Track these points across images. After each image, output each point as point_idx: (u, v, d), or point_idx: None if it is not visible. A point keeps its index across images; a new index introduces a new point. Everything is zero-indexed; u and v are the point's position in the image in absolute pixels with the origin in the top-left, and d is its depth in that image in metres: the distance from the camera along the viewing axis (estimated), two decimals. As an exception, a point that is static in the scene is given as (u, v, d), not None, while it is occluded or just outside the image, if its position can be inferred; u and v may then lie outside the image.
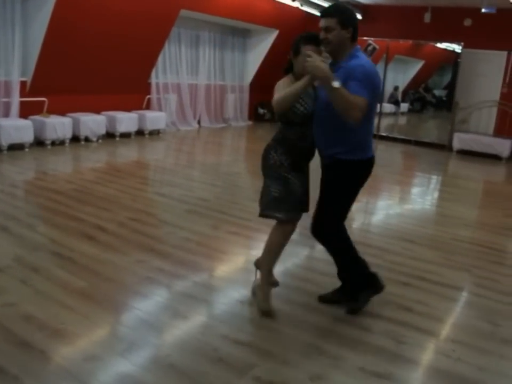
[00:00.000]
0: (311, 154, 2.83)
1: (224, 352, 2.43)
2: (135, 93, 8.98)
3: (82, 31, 7.13)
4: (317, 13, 10.56)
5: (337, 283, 3.02)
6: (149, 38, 8.20)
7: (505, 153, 9.22)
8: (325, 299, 2.99)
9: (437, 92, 12.24)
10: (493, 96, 9.72)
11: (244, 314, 2.86)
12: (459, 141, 9.69)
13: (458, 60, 9.95)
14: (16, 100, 7.04)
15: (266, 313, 2.80)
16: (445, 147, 10.02)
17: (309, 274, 3.47)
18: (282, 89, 2.62)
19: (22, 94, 7.13)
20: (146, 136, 8.84)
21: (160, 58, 9.16)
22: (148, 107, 9.28)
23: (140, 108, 9.08)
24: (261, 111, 11.95)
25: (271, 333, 2.68)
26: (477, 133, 9.82)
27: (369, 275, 2.91)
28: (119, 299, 2.92)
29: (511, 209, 5.87)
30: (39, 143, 7.15)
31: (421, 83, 12.23)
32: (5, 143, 6.56)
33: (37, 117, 7.11)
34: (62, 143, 7.36)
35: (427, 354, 2.58)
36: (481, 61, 9.71)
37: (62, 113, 7.55)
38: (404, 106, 12.46)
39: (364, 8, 10.50)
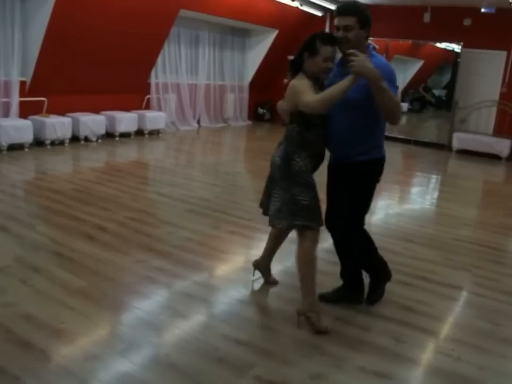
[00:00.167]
0: (324, 156, 2.77)
1: (224, 351, 2.43)
2: (135, 93, 8.98)
3: (81, 30, 7.12)
4: (317, 13, 10.56)
5: (337, 282, 3.02)
6: (148, 38, 8.19)
7: (504, 153, 9.22)
8: (325, 298, 2.99)
9: (437, 92, 12.22)
10: (492, 96, 9.71)
11: (244, 314, 2.85)
12: (459, 140, 9.70)
13: (458, 59, 9.94)
14: (15, 99, 7.03)
15: (325, 331, 2.66)
16: (444, 147, 10.03)
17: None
18: (310, 89, 2.47)
19: (22, 94, 7.12)
20: (146, 136, 8.83)
21: (159, 58, 9.15)
22: (147, 107, 9.28)
23: (139, 107, 9.08)
24: (260, 111, 11.95)
25: (271, 332, 2.69)
26: (477, 132, 9.82)
27: (381, 264, 2.98)
28: (119, 298, 2.92)
29: (511, 209, 5.87)
30: (38, 143, 7.14)
31: (420, 83, 12.22)
32: (4, 143, 6.56)
33: (36, 117, 7.10)
34: (61, 143, 7.36)
35: (427, 354, 2.58)
36: (481, 60, 9.69)
37: (62, 113, 7.54)
38: (404, 106, 12.43)
39: (363, 8, 10.48)
